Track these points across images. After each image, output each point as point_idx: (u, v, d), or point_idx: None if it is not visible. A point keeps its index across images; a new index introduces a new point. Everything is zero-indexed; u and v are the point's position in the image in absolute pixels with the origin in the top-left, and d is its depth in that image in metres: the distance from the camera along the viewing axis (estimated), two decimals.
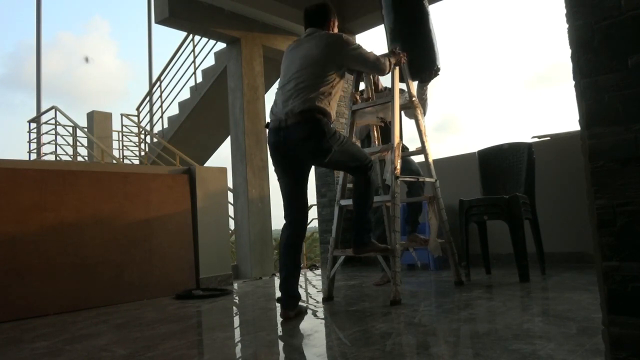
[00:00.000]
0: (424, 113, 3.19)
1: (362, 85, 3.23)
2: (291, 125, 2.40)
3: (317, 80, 2.45)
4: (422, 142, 3.15)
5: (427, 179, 3.16)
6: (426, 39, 3.11)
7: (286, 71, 2.57)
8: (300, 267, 2.60)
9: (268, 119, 2.59)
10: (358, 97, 3.13)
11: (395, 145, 2.80)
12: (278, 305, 2.52)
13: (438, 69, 3.16)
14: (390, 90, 2.98)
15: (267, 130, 2.56)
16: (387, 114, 3.13)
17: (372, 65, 2.74)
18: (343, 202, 2.96)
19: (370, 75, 3.20)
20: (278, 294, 2.47)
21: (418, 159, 3.55)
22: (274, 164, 2.56)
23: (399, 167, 2.79)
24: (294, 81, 2.47)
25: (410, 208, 3.54)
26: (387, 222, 3.33)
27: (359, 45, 2.66)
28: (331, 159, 2.49)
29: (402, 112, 3.18)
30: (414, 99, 3.12)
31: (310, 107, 2.38)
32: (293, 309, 2.44)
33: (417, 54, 3.06)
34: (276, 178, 2.62)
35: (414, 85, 3.17)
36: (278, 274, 4.13)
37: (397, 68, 2.94)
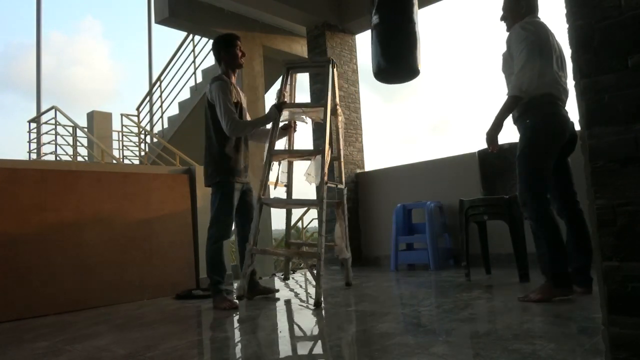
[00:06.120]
0: None
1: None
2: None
3: None
4: (339, 148, 3.44)
5: (340, 185, 3.49)
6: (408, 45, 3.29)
7: (560, 54, 2.56)
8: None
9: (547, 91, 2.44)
10: (285, 95, 3.26)
11: (326, 151, 2.94)
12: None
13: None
14: (324, 93, 3.12)
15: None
16: (317, 116, 3.29)
17: None
18: (264, 200, 3.03)
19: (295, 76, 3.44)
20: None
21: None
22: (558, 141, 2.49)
23: (326, 172, 2.93)
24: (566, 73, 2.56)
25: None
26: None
27: None
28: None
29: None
30: (337, 106, 3.38)
31: None
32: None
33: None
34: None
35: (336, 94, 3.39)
36: (278, 274, 4.12)
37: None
